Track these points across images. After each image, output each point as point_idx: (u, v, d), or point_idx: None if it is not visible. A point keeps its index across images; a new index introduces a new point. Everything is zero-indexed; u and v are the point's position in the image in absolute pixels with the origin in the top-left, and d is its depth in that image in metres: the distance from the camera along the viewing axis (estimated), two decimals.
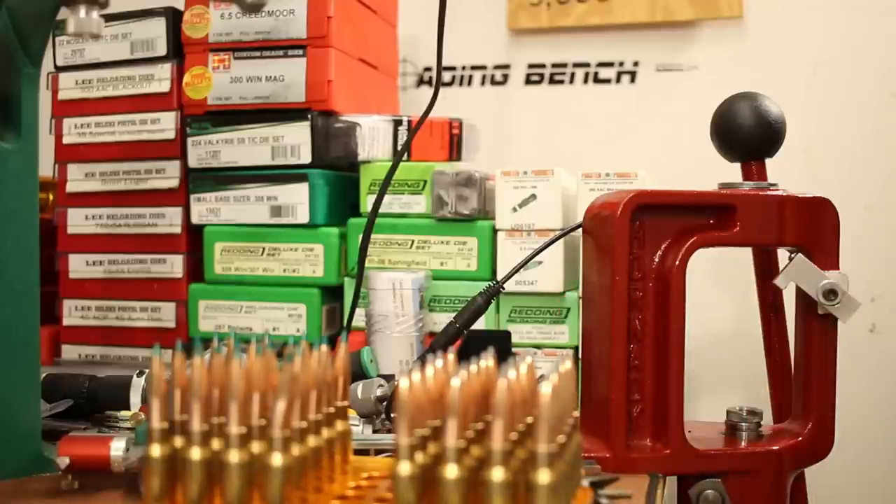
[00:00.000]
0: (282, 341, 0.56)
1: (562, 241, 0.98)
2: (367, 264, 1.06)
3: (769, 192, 0.75)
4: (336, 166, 1.10)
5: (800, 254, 0.73)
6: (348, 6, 1.13)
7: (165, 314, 1.10)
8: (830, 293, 0.72)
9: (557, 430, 0.47)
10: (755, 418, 0.77)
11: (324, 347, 0.55)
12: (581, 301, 0.80)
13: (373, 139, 1.10)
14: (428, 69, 1.45)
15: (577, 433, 0.54)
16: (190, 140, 1.09)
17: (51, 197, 1.18)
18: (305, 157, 1.06)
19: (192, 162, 1.09)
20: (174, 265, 1.10)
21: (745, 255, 0.89)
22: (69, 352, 1.13)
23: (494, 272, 1.04)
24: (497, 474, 0.45)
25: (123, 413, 0.80)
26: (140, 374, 0.83)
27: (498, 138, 1.40)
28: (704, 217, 0.74)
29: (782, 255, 0.80)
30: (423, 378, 0.48)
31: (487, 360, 0.51)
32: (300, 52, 1.06)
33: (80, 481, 0.62)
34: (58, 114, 1.12)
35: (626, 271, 0.71)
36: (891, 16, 1.30)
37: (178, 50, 1.09)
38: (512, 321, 1.02)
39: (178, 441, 0.52)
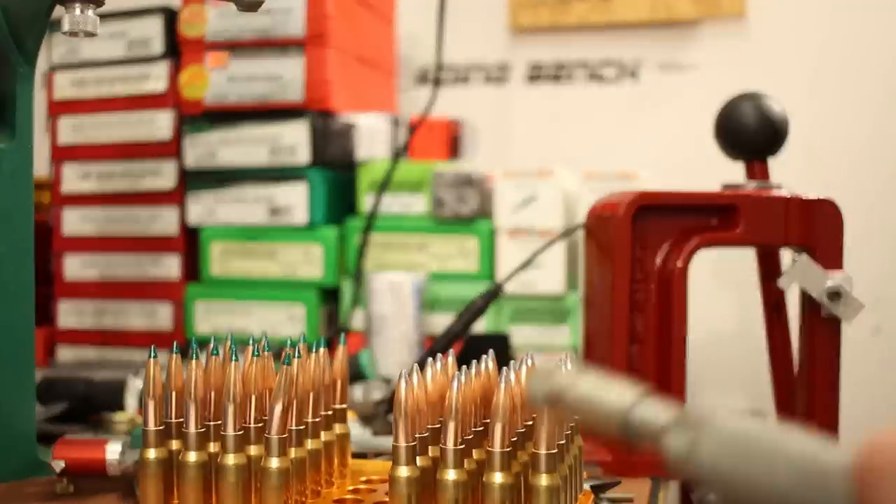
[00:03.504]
0: (280, 343, 0.55)
1: (563, 242, 0.97)
2: (365, 265, 1.05)
3: (772, 193, 0.74)
4: (334, 166, 1.10)
5: (804, 254, 0.73)
6: (346, 4, 1.12)
7: (162, 316, 1.09)
8: (834, 294, 0.72)
9: (558, 433, 0.46)
10: None
11: (322, 349, 0.54)
12: (582, 302, 0.79)
13: (371, 139, 1.10)
14: (427, 68, 1.44)
15: (578, 436, 0.53)
16: (187, 140, 1.08)
17: (46, 198, 1.17)
18: (303, 157, 1.06)
19: (189, 162, 1.08)
20: (170, 266, 1.09)
21: (747, 255, 0.88)
22: (65, 354, 1.12)
23: (494, 273, 1.03)
24: (497, 478, 0.44)
25: (119, 415, 0.79)
26: (136, 375, 0.82)
27: (498, 138, 1.39)
28: (707, 217, 0.73)
29: (785, 255, 0.79)
30: (422, 380, 0.47)
31: (487, 363, 0.51)
32: (298, 51, 1.06)
33: (76, 485, 0.61)
34: (53, 113, 1.12)
35: (628, 272, 0.71)
36: (894, 14, 1.29)
37: (174, 49, 1.09)
38: (513, 323, 1.02)
39: (175, 444, 0.51)
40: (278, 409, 0.48)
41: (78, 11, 0.63)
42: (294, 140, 1.06)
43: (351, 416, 0.75)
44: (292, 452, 0.50)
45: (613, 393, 0.37)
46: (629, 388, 0.36)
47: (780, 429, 0.33)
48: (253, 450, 0.49)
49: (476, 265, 1.04)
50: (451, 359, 0.52)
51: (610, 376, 0.38)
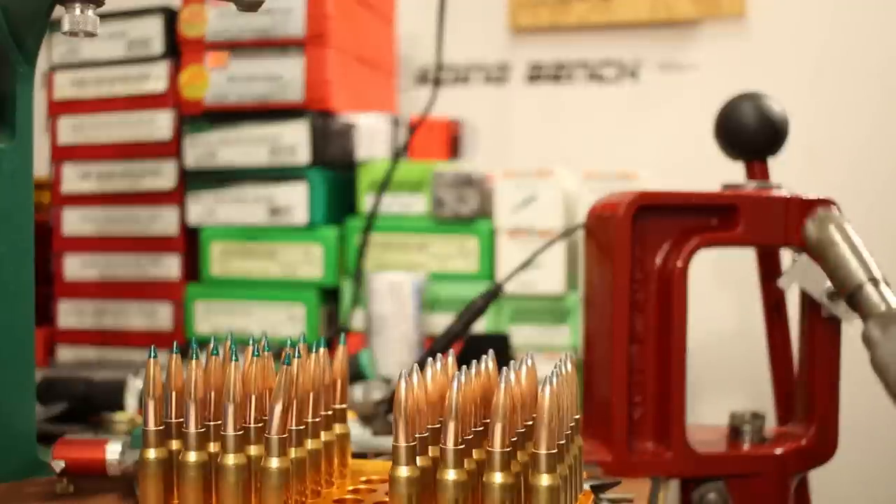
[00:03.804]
0: (280, 343, 0.55)
1: (563, 242, 0.97)
2: (365, 265, 1.05)
3: (772, 193, 0.74)
4: (334, 166, 1.10)
5: (804, 254, 0.73)
6: (346, 4, 1.12)
7: (162, 316, 1.09)
8: (834, 294, 0.71)
9: (558, 433, 0.46)
10: (758, 421, 0.77)
11: (322, 349, 0.54)
12: (582, 302, 0.79)
13: (371, 139, 1.10)
14: (427, 68, 1.44)
15: (579, 436, 0.53)
16: (187, 140, 1.08)
17: (46, 198, 1.17)
18: (303, 157, 1.06)
19: (189, 162, 1.08)
20: (170, 266, 1.09)
21: (747, 255, 0.88)
22: (64, 354, 1.12)
23: (494, 273, 1.03)
24: (497, 478, 0.44)
25: (119, 415, 0.79)
26: (136, 375, 0.82)
27: (498, 138, 1.39)
28: (707, 217, 0.73)
29: (785, 255, 0.79)
30: (422, 380, 0.47)
31: (487, 363, 0.51)
32: (298, 51, 1.06)
33: (76, 485, 0.61)
34: (53, 113, 1.12)
35: (628, 272, 0.71)
36: (894, 14, 1.29)
37: (174, 49, 1.09)
38: (513, 323, 1.02)
39: (175, 444, 0.51)
40: (278, 409, 0.47)
41: (78, 11, 0.63)
42: (294, 140, 1.06)
43: (351, 416, 0.75)
44: (292, 452, 0.50)
45: (862, 265, 0.53)
46: (873, 268, 0.50)
47: None
48: (253, 450, 0.49)
49: (476, 265, 1.04)
50: (451, 359, 0.52)
51: (864, 249, 0.52)
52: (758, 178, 0.84)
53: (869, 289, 0.51)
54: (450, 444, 0.45)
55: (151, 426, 0.50)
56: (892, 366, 0.45)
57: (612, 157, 1.31)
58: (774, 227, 0.73)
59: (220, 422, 0.50)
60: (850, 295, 0.51)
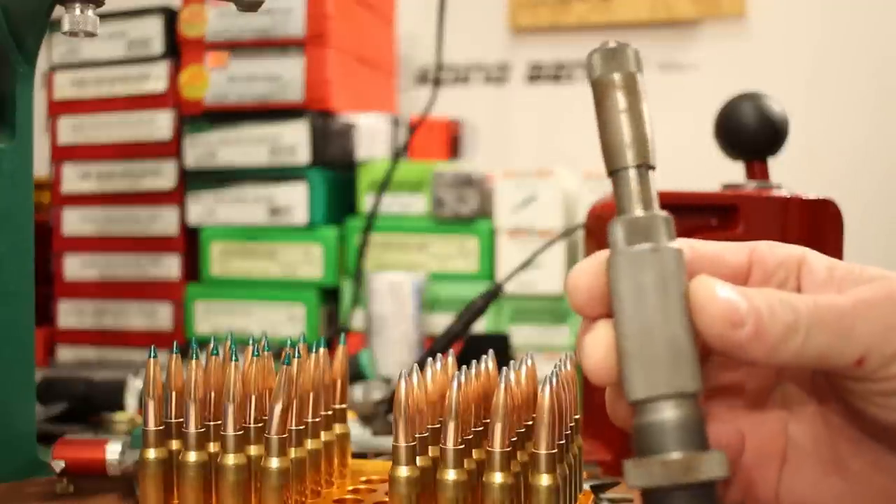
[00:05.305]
0: (280, 343, 0.55)
1: (563, 241, 0.97)
2: (365, 265, 1.05)
3: (772, 193, 0.74)
4: (334, 166, 1.10)
5: None
6: (346, 4, 1.12)
7: (162, 316, 1.09)
8: None
9: (558, 433, 0.46)
10: None
11: (322, 349, 0.54)
12: None
13: (371, 139, 1.10)
14: (427, 68, 1.44)
15: (579, 436, 0.53)
16: (187, 140, 1.08)
17: (46, 198, 1.17)
18: (303, 157, 1.06)
19: (189, 162, 1.08)
20: (170, 266, 1.09)
21: None
22: (65, 354, 1.12)
23: (494, 273, 1.03)
24: (497, 478, 0.44)
25: (119, 415, 0.79)
26: (136, 375, 0.82)
27: (498, 138, 1.39)
28: (707, 217, 0.73)
29: None
30: (422, 380, 0.47)
31: (487, 363, 0.51)
32: (298, 51, 1.06)
33: (76, 485, 0.61)
34: (53, 113, 1.12)
35: None
36: (893, 14, 1.30)
37: (175, 49, 1.09)
38: (513, 323, 1.02)
39: (175, 444, 0.51)
40: (278, 409, 0.47)
41: (78, 11, 0.63)
42: (294, 140, 1.06)
43: (351, 416, 0.75)
44: (292, 452, 0.50)
45: (638, 142, 0.39)
46: (650, 151, 0.39)
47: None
48: (253, 450, 0.49)
49: (476, 265, 1.04)
50: (451, 359, 0.52)
51: (649, 122, 0.40)
52: (758, 178, 0.84)
53: (632, 175, 0.38)
54: (450, 444, 0.45)
55: (151, 426, 0.50)
56: (623, 280, 0.37)
57: None
58: (774, 227, 0.73)
59: (220, 422, 0.50)
60: (612, 172, 0.39)
